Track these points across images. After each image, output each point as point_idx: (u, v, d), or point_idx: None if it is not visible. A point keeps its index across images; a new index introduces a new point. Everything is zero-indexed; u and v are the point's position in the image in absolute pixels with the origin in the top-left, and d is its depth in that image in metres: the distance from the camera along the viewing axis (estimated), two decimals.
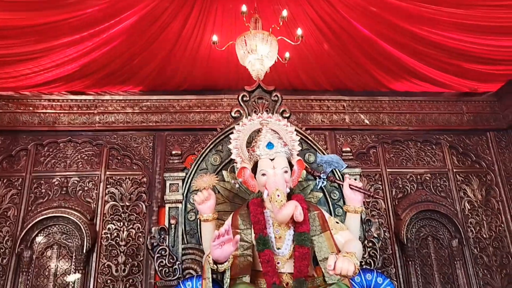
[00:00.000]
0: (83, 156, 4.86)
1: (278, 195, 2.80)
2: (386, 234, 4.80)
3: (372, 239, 3.46)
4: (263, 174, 2.95)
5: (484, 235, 4.94)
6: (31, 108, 4.91)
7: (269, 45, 4.12)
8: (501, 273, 4.79)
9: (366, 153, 5.19)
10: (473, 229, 4.95)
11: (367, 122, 5.28)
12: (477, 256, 4.84)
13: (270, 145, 3.02)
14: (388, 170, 5.14)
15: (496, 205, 5.10)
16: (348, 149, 3.88)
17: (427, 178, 5.14)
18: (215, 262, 2.58)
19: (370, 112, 5.32)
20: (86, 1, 3.96)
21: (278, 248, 2.83)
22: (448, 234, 4.82)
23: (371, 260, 3.40)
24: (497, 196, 5.12)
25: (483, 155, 5.31)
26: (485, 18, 4.23)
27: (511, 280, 4.76)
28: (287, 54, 4.49)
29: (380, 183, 5.07)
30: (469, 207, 5.06)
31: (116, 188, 4.75)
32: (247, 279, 2.69)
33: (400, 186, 5.08)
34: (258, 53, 4.08)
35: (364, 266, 3.35)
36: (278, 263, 2.77)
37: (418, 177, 5.12)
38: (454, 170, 5.21)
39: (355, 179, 3.61)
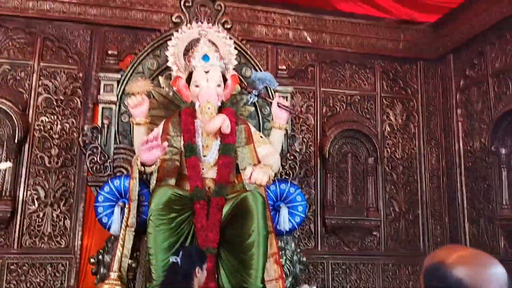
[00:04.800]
0: (15, 44, 4.64)
1: (209, 108, 2.97)
2: (311, 148, 5.18)
3: (294, 153, 3.78)
4: (197, 86, 3.08)
5: (397, 156, 5.48)
6: None
7: None
8: (405, 189, 5.42)
9: (304, 71, 5.37)
10: (388, 150, 5.46)
11: (309, 40, 5.39)
12: (388, 173, 5.40)
13: (206, 58, 3.11)
14: (322, 89, 5.39)
15: (413, 129, 5.59)
16: (284, 67, 4.04)
17: (356, 100, 5.47)
18: (143, 164, 2.78)
19: (314, 31, 5.40)
20: None
21: (205, 156, 3.06)
22: (366, 152, 5.28)
23: (291, 171, 3.74)
24: (415, 122, 5.59)
25: (410, 83, 5.66)
26: None
27: (412, 195, 5.42)
28: None
29: (313, 100, 5.34)
30: (389, 130, 5.51)
31: (50, 81, 4.66)
32: (172, 181, 2.93)
33: (331, 105, 5.38)
34: None
35: (284, 177, 3.71)
36: (203, 169, 3.02)
37: (348, 98, 5.43)
38: (382, 95, 5.56)
39: (286, 98, 3.82)
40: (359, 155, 5.30)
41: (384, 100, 5.57)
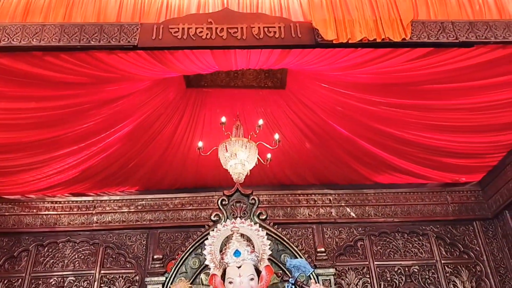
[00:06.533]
0: (80, 255, 5.12)
1: None
2: None
3: None
4: (230, 282, 3.16)
5: None
6: (34, 210, 5.28)
7: (248, 151, 4.47)
8: None
9: (353, 246, 5.30)
10: None
11: (353, 215, 5.45)
12: None
13: (237, 253, 3.26)
14: (375, 262, 5.21)
15: None
16: (323, 249, 4.04)
17: (415, 270, 5.18)
18: None
19: (356, 205, 5.51)
20: (84, 118, 4.44)
21: None
22: None
23: None
24: None
25: (471, 245, 5.34)
26: (450, 119, 4.54)
27: None
28: (268, 155, 4.82)
29: (368, 276, 5.12)
30: None
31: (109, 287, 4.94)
32: None
33: (389, 279, 5.11)
34: (238, 158, 4.42)
35: None
36: None
37: (406, 269, 5.16)
38: (442, 262, 5.24)
39: (329, 280, 3.76)
40: None
41: (446, 267, 5.21)
